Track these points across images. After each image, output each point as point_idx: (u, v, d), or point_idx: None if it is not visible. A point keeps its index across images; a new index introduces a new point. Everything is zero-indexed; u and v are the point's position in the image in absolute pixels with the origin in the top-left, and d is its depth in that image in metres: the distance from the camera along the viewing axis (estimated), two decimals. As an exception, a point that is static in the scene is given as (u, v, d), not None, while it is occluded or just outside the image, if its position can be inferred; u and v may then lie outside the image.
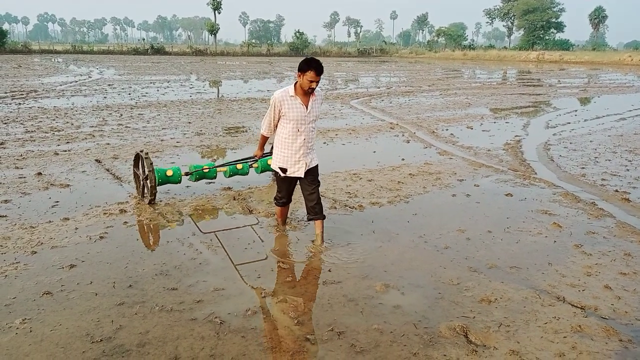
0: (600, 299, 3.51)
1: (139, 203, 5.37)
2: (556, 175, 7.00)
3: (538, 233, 4.76)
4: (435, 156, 8.11)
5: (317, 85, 3.92)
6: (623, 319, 3.26)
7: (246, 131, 10.13)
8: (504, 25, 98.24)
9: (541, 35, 77.46)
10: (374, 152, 8.40)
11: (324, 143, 9.02)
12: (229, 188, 6.03)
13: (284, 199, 4.50)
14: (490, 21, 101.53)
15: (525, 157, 8.16)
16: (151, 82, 21.59)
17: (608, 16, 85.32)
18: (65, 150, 7.85)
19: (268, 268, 3.92)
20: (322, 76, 3.92)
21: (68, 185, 6.00)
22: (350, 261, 4.05)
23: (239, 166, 5.78)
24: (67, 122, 10.53)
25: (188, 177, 5.58)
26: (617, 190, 6.26)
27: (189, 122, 10.95)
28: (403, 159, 7.78)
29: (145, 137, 9.06)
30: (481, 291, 3.59)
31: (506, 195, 5.98)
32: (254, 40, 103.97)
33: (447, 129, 10.76)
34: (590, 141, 9.65)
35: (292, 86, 3.99)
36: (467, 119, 12.30)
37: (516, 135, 10.11)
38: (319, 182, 4.30)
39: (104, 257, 4.03)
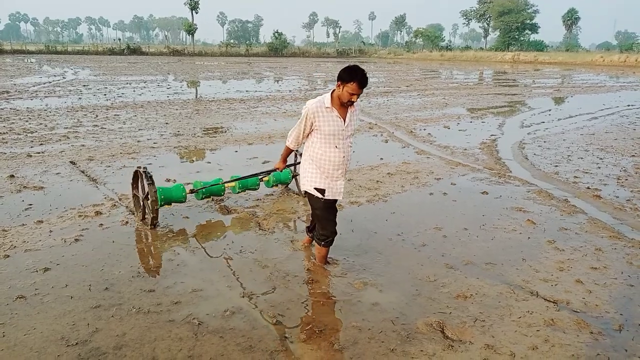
0: (572, 293, 3.61)
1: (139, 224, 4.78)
2: (530, 173, 7.15)
3: (512, 230, 4.86)
4: (413, 155, 8.20)
5: (357, 99, 3.44)
6: (594, 312, 3.36)
7: (225, 132, 10.07)
8: (480, 27, 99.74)
9: (516, 37, 78.88)
10: (353, 151, 8.43)
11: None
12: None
13: (330, 235, 3.72)
14: (466, 22, 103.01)
15: (501, 155, 8.31)
16: (127, 83, 21.28)
17: (580, 18, 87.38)
18: (39, 152, 7.69)
19: (247, 269, 3.91)
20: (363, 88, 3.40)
21: (42, 187, 5.89)
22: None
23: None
24: (41, 124, 10.31)
25: (194, 195, 5.07)
26: (588, 188, 6.43)
27: (167, 123, 10.84)
28: (382, 159, 7.85)
29: (121, 139, 8.93)
30: (457, 287, 3.65)
31: (482, 193, 6.09)
32: (232, 41, 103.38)
33: (424, 129, 10.88)
34: (564, 140, 9.87)
35: (328, 96, 3.47)
36: (444, 119, 12.45)
37: (492, 135, 10.29)
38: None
39: (80, 260, 3.97)
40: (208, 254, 4.16)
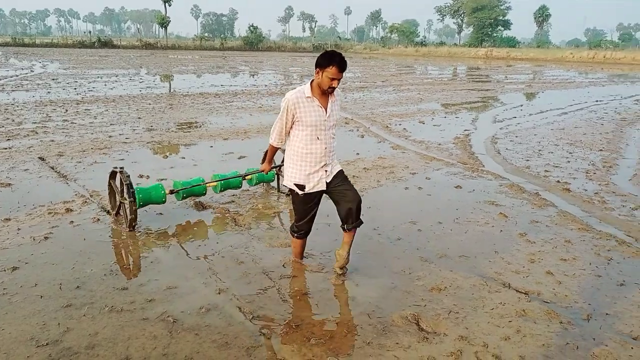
0: (542, 284, 3.69)
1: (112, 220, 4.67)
2: (503, 168, 7.28)
3: (485, 223, 4.95)
4: (389, 150, 8.26)
5: (338, 84, 3.29)
6: (563, 303, 3.45)
7: (200, 127, 9.95)
8: (454, 22, 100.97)
9: (489, 33, 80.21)
10: (335, 143, 8.44)
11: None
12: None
13: (303, 228, 3.68)
14: (441, 18, 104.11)
15: (474, 150, 8.44)
16: (98, 77, 20.81)
17: (551, 15, 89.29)
18: (6, 148, 7.46)
19: (222, 265, 3.88)
20: (344, 73, 3.28)
21: (9, 184, 5.71)
22: (305, 255, 4.07)
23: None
24: (8, 119, 9.99)
25: (174, 195, 4.85)
26: (558, 181, 6.59)
27: (139, 118, 10.64)
28: (358, 154, 7.87)
29: (92, 134, 8.73)
30: (432, 280, 3.70)
31: (456, 187, 6.17)
32: (206, 34, 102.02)
33: (400, 124, 10.97)
34: (535, 135, 10.09)
35: (308, 85, 3.33)
36: (419, 114, 12.58)
37: (465, 130, 10.44)
38: (349, 181, 3.61)
39: (49, 258, 3.87)
40: (184, 251, 4.11)
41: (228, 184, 5.19)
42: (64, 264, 3.80)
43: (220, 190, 5.23)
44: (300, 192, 3.48)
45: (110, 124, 9.74)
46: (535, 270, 3.92)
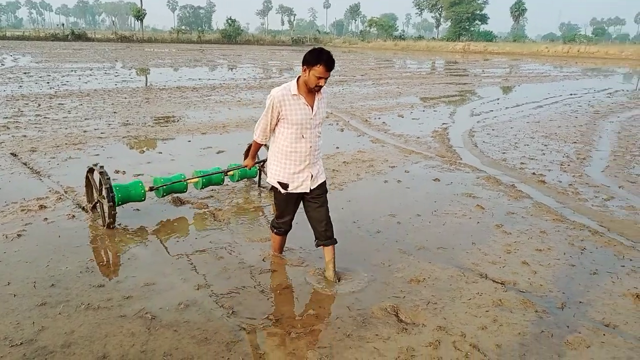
0: (518, 274, 3.77)
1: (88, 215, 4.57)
2: (480, 160, 7.38)
3: (463, 215, 5.01)
4: (369, 144, 8.29)
5: (325, 83, 3.23)
6: (539, 292, 3.52)
7: (177, 121, 9.82)
8: (432, 17, 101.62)
9: (467, 27, 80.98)
10: (321, 142, 8.43)
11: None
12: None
13: (283, 226, 3.66)
14: (419, 12, 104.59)
15: (452, 143, 8.53)
16: (72, 70, 20.34)
17: (527, 9, 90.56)
18: (-24, 144, 7.24)
19: (201, 261, 3.85)
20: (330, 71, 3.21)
21: (-21, 181, 5.55)
22: (284, 249, 4.06)
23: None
24: (-23, 113, 9.70)
25: (154, 192, 4.74)
26: (534, 173, 6.71)
27: (115, 112, 10.45)
28: (337, 147, 7.88)
29: (66, 129, 8.54)
30: (411, 272, 3.73)
31: (434, 180, 6.24)
32: (183, 27, 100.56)
33: (379, 118, 11.01)
34: (511, 128, 10.25)
35: (294, 82, 3.25)
36: (398, 108, 12.64)
37: (443, 123, 10.54)
38: (326, 199, 3.54)
39: (23, 256, 3.78)
40: (162, 247, 4.06)
41: (210, 180, 5.06)
42: (38, 261, 3.71)
43: (202, 187, 5.12)
44: (283, 191, 3.42)
45: (85, 119, 9.54)
46: (512, 261, 3.99)
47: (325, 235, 3.52)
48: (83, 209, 4.80)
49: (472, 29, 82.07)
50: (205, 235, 4.34)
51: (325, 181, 3.52)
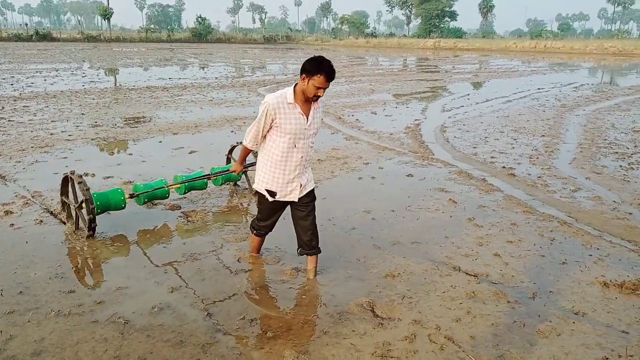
0: (490, 266, 3.84)
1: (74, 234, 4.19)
2: (451, 155, 7.49)
3: (436, 209, 5.08)
4: (342, 141, 8.31)
5: (323, 94, 3.13)
6: (510, 283, 3.60)
7: (148, 121, 9.65)
8: (402, 14, 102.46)
9: (437, 24, 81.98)
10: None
11: (232, 132, 8.87)
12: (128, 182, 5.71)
13: (264, 228, 3.60)
14: (390, 9, 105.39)
15: (424, 139, 8.64)
16: (37, 72, 19.77)
17: (495, 6, 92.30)
18: None
19: (175, 263, 3.79)
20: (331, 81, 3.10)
21: (-60, 187, 5.35)
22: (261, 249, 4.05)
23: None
24: (-64, 117, 9.33)
25: (134, 199, 4.49)
26: (504, 167, 6.85)
27: (83, 114, 10.20)
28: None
29: (32, 131, 8.30)
30: (386, 267, 3.77)
31: (407, 175, 6.30)
32: (152, 26, 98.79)
33: (352, 115, 11.06)
34: (481, 122, 10.43)
35: (291, 90, 3.13)
36: (371, 105, 12.72)
37: (416, 119, 10.65)
38: (314, 207, 3.49)
39: (-12, 264, 3.66)
40: (134, 250, 3.98)
41: (193, 185, 4.85)
42: (5, 268, 3.60)
43: (185, 192, 4.92)
44: (270, 199, 3.34)
45: (52, 121, 9.28)
46: (484, 253, 4.07)
47: (309, 245, 3.48)
48: (51, 213, 4.67)
49: (442, 25, 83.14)
50: (178, 237, 4.28)
51: (313, 189, 3.47)
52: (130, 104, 11.77)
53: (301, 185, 3.34)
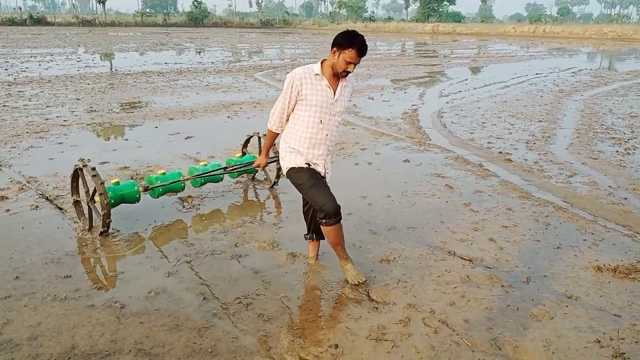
0: (485, 251, 3.86)
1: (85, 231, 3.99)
2: (448, 141, 7.48)
3: (432, 195, 5.09)
4: (340, 127, 8.27)
5: (353, 69, 3.01)
6: (505, 267, 3.62)
7: (144, 107, 9.60)
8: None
9: (435, 8, 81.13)
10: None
11: (228, 117, 8.83)
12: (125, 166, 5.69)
13: (331, 208, 3.07)
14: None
15: (421, 124, 8.62)
16: (32, 56, 19.58)
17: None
18: None
19: (171, 247, 3.80)
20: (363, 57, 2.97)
21: None
22: (256, 234, 4.06)
23: (202, 163, 4.72)
24: None
25: (148, 193, 4.30)
26: (501, 152, 6.85)
27: (78, 99, 10.13)
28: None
29: (27, 117, 8.25)
30: (381, 252, 3.78)
31: (404, 161, 6.30)
32: (148, 10, 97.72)
33: (350, 100, 10.97)
34: (479, 108, 10.40)
35: (319, 63, 3.04)
36: (368, 90, 12.66)
37: (413, 105, 10.61)
38: None
39: (-16, 250, 3.66)
40: (131, 235, 3.99)
41: (208, 178, 4.62)
42: (1, 254, 3.60)
43: (200, 185, 4.69)
44: (305, 166, 3.10)
45: (47, 106, 9.22)
46: (479, 238, 4.08)
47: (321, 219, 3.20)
48: (47, 199, 4.66)
49: (441, 9, 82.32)
50: (174, 222, 4.28)
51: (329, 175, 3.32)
52: (126, 89, 11.69)
53: (325, 169, 3.21)
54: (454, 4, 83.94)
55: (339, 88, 3.09)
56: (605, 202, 5.00)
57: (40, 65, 16.43)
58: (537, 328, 2.90)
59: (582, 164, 6.36)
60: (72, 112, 8.80)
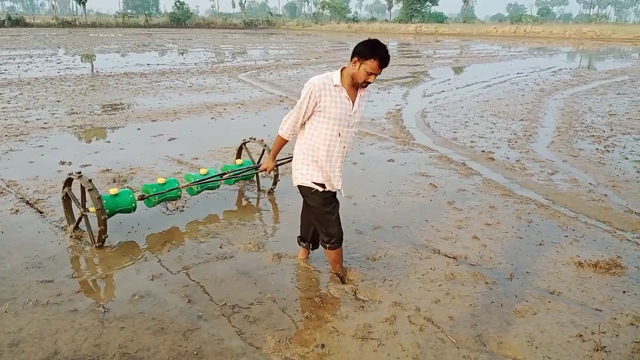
0: (469, 249, 3.90)
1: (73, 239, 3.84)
2: (432, 140, 7.54)
3: (416, 194, 5.13)
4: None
5: (374, 80, 2.91)
6: (488, 264, 3.66)
7: (126, 108, 9.49)
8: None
9: (418, 8, 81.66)
10: (264, 125, 8.35)
11: (212, 118, 8.78)
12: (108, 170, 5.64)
13: (336, 234, 3.14)
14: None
15: (405, 124, 8.67)
16: (10, 58, 19.22)
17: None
18: None
19: (155, 249, 3.77)
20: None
21: None
22: (242, 235, 4.04)
23: (202, 171, 4.52)
24: None
25: (143, 202, 4.10)
26: (483, 151, 6.92)
27: (58, 101, 9.97)
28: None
29: (5, 119, 8.09)
30: (367, 251, 3.80)
31: (388, 161, 6.33)
32: (129, 11, 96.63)
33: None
34: (462, 107, 10.50)
35: (338, 73, 2.91)
36: (352, 90, 12.66)
37: (397, 105, 10.67)
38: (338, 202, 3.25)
39: (-38, 255, 3.58)
40: (118, 238, 3.94)
41: (205, 185, 4.47)
42: (-20, 260, 3.53)
43: (197, 193, 4.52)
44: (321, 189, 3.03)
45: (26, 109, 9.06)
46: (463, 236, 4.12)
47: (325, 243, 3.23)
48: (27, 203, 4.58)
49: (424, 10, 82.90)
50: (157, 223, 4.24)
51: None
52: (108, 91, 11.54)
53: (340, 178, 3.12)
54: (437, 5, 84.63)
55: (357, 99, 2.98)
56: (585, 199, 5.09)
57: (19, 67, 16.14)
58: (520, 324, 2.94)
59: (563, 161, 6.46)
60: (53, 114, 8.67)
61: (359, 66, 2.81)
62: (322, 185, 3.03)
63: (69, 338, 2.71)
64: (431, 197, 5.03)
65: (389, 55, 2.82)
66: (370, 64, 2.78)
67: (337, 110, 2.88)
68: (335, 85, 2.87)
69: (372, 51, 2.77)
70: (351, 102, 2.93)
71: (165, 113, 9.05)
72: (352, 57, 2.84)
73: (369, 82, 2.87)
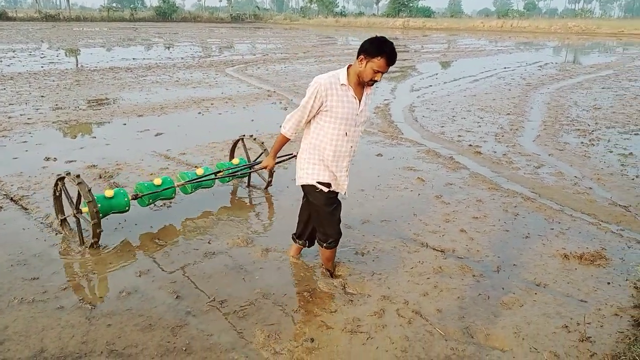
0: (457, 242, 3.93)
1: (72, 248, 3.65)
2: (420, 135, 7.57)
3: (404, 188, 5.15)
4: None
5: (381, 78, 2.85)
6: (475, 257, 3.70)
7: (111, 103, 9.37)
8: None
9: (405, 3, 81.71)
10: (252, 120, 8.32)
11: (199, 113, 8.71)
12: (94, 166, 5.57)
13: (334, 234, 3.17)
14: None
15: (393, 119, 8.69)
16: (-8, 52, 18.87)
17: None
18: None
19: (143, 246, 3.74)
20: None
21: None
22: (230, 231, 4.03)
23: (199, 171, 4.40)
24: None
25: (137, 201, 4.01)
26: (470, 145, 6.97)
27: (42, 96, 9.82)
28: (281, 126, 7.80)
29: (-12, 115, 7.96)
30: (356, 245, 3.81)
31: (377, 155, 6.34)
32: (114, 5, 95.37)
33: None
34: (449, 102, 10.55)
35: (344, 71, 2.85)
36: (340, 84, 12.65)
37: (385, 99, 10.69)
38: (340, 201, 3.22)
39: (-55, 253, 3.52)
40: (105, 234, 3.89)
41: (200, 183, 4.39)
42: (-37, 257, 3.48)
43: (191, 191, 4.40)
44: (325, 189, 3.01)
45: (9, 104, 8.91)
46: (450, 229, 4.15)
47: (322, 242, 3.23)
48: (11, 199, 4.52)
49: (411, 5, 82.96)
50: (143, 219, 4.21)
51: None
52: (93, 86, 11.40)
53: (347, 178, 3.10)
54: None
55: (363, 97, 2.93)
56: (571, 192, 5.16)
57: (1, 62, 15.85)
58: (507, 315, 2.97)
59: (549, 155, 6.53)
60: (37, 109, 8.54)
61: (366, 64, 2.76)
62: (328, 185, 3.01)
63: (55, 335, 2.68)
64: (419, 191, 5.05)
65: (396, 53, 2.78)
66: (377, 62, 2.74)
67: (344, 110, 2.85)
68: (342, 85, 2.83)
69: (379, 49, 2.72)
70: (358, 101, 2.90)
71: (151, 108, 8.96)
72: (359, 54, 2.79)
73: (376, 81, 2.83)
